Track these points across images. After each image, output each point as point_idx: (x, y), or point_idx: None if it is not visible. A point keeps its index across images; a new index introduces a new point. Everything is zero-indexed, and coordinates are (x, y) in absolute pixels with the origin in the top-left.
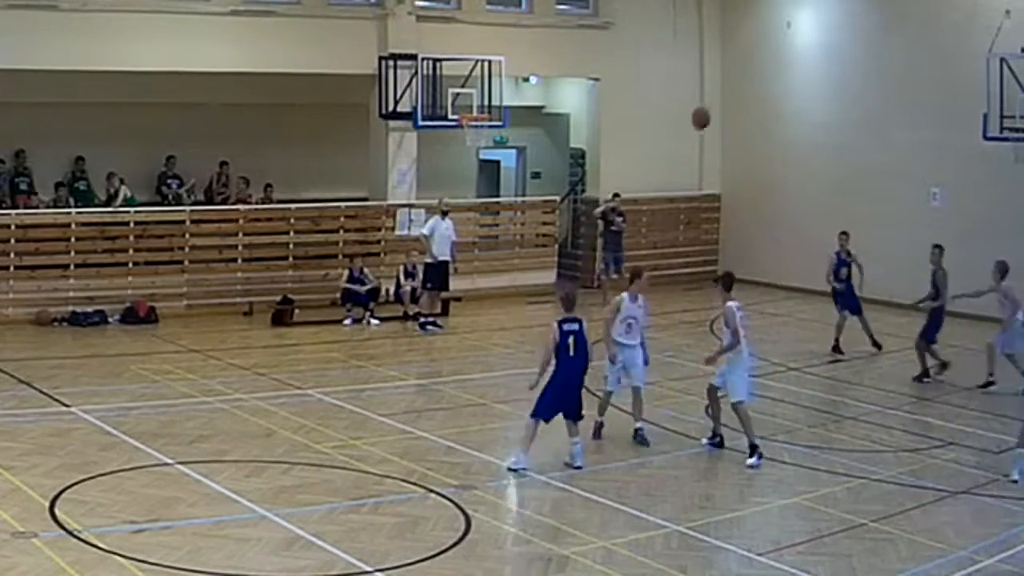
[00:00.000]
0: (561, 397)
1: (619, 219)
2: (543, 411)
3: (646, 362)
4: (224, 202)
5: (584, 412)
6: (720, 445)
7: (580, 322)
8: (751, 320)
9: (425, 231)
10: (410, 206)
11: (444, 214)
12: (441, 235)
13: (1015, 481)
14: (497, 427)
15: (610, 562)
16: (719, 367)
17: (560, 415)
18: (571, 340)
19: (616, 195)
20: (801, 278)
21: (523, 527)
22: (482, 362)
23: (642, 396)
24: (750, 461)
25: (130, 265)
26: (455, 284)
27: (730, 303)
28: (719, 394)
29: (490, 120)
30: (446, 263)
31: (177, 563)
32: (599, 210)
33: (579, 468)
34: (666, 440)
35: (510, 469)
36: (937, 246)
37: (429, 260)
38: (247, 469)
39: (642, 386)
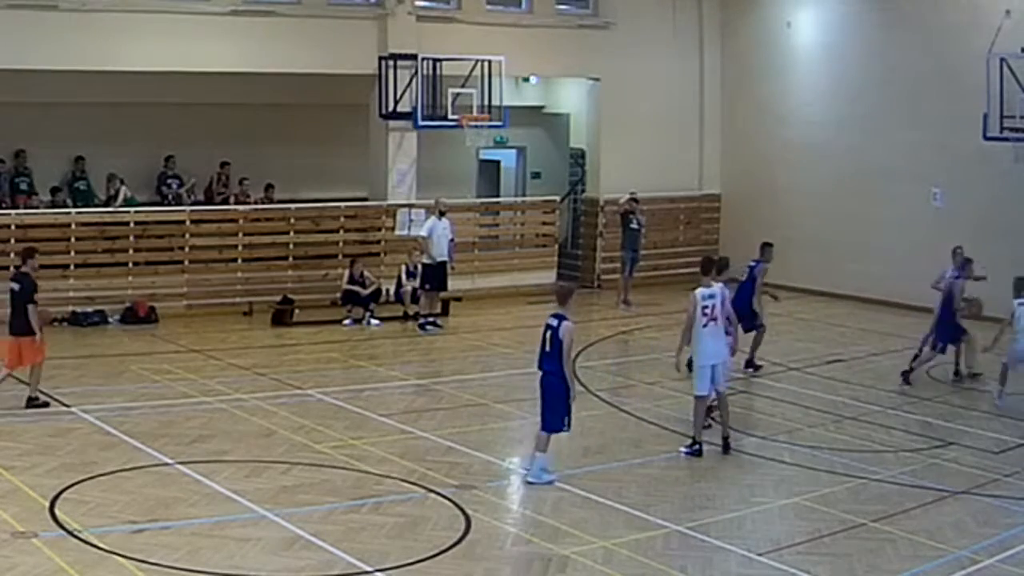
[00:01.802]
0: (541, 398)
1: (638, 218)
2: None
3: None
4: (224, 202)
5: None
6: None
7: (560, 319)
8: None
9: (424, 233)
10: (410, 206)
11: (441, 214)
12: (439, 235)
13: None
14: (497, 427)
15: (610, 562)
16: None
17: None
18: (547, 335)
19: (632, 194)
20: (801, 278)
21: (523, 527)
22: (482, 362)
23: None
24: (683, 449)
25: (130, 265)
26: (455, 284)
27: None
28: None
29: (490, 120)
30: (444, 264)
31: (177, 563)
32: (622, 200)
33: (530, 483)
34: (666, 440)
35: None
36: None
37: (427, 261)
38: (247, 469)
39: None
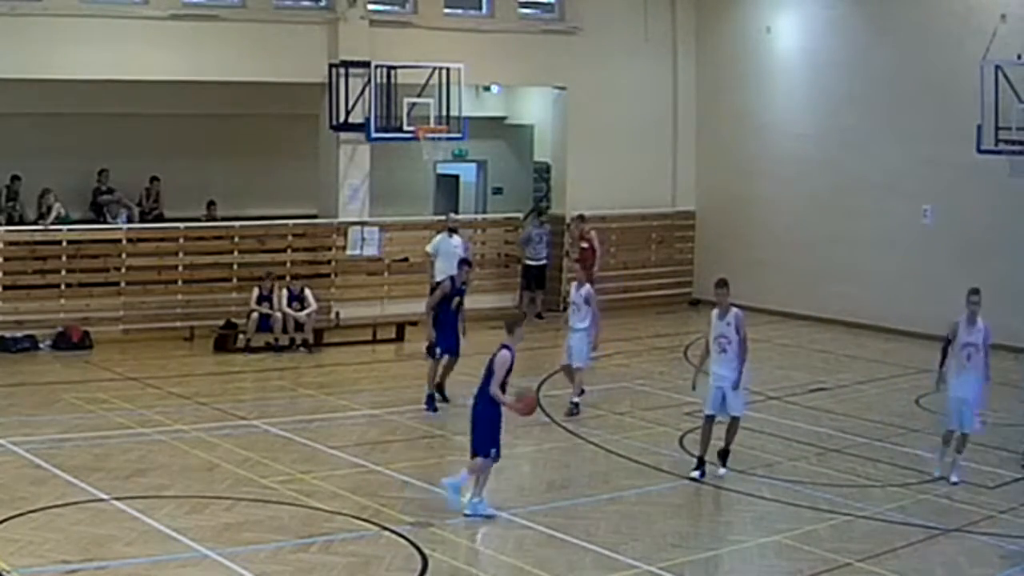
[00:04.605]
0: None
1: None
2: None
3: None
4: (155, 220)
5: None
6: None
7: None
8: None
9: (429, 249)
10: (363, 224)
11: (451, 231)
12: (448, 253)
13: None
14: (455, 460)
15: None
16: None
17: None
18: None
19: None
20: (781, 301)
21: (484, 567)
22: None
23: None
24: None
25: (63, 287)
26: (409, 307)
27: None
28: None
29: (448, 132)
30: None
31: None
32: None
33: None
34: (637, 474)
35: None
36: None
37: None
38: (188, 505)
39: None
